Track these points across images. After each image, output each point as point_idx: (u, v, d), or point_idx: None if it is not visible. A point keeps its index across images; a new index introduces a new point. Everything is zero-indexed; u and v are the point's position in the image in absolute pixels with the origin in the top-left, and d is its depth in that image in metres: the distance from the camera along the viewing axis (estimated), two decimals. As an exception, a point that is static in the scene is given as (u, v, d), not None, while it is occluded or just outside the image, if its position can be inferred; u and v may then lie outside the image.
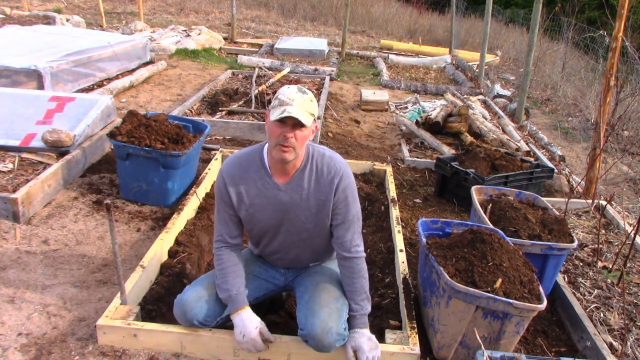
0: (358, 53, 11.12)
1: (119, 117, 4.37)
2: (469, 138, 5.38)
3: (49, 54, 5.45)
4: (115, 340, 2.19)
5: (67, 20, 9.88)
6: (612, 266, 3.14)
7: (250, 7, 15.89)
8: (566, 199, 3.72)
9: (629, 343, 2.50)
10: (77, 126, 3.88)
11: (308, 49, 9.84)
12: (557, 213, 3.10)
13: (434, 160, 4.51)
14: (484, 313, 2.16)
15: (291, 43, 10.16)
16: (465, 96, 7.49)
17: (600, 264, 3.20)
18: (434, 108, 6.41)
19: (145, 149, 3.32)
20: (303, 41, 10.50)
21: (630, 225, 3.64)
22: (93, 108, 4.11)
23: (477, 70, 9.24)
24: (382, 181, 4.21)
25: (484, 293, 2.11)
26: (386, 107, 6.95)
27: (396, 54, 11.34)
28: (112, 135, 3.42)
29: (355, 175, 3.62)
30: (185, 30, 10.25)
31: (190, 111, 5.55)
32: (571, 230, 2.91)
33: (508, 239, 2.53)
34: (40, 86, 5.04)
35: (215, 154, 4.18)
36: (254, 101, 5.91)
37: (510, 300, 2.09)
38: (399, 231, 3.15)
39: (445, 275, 2.18)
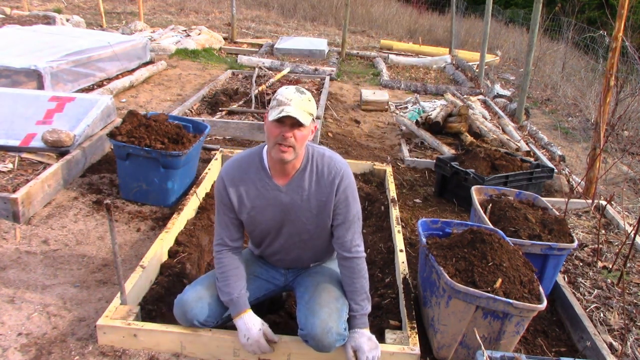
0: (358, 53, 11.12)
1: (119, 117, 4.37)
2: (469, 138, 5.38)
3: (49, 54, 5.45)
4: (115, 340, 2.19)
5: (67, 20, 9.88)
6: (612, 266, 3.14)
7: (250, 7, 15.89)
8: (566, 199, 3.72)
9: (629, 343, 2.50)
10: (77, 126, 3.88)
11: (308, 49, 9.84)
12: (557, 213, 3.10)
13: (434, 160, 4.50)
14: (484, 313, 2.16)
15: (291, 43, 10.16)
16: (465, 96, 7.49)
17: (600, 264, 3.20)
18: (434, 108, 6.41)
19: (145, 149, 3.32)
20: (303, 41, 10.50)
21: (630, 225, 3.64)
22: (93, 108, 4.11)
23: (477, 70, 9.24)
24: (382, 181, 4.21)
25: (484, 293, 2.11)
26: (386, 107, 6.95)
27: (396, 54, 11.35)
28: (112, 135, 3.42)
29: (355, 175, 3.62)
30: (185, 30, 10.25)
31: (190, 111, 5.55)
32: (571, 230, 2.91)
33: (508, 239, 2.53)
34: (40, 86, 5.04)
35: (215, 154, 4.18)
36: (254, 101, 5.91)
37: (510, 300, 2.09)
38: (399, 231, 3.15)
39: (445, 275, 2.18)
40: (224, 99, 5.85)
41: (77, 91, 5.55)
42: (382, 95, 6.98)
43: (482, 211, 2.97)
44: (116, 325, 2.17)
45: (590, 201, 4.01)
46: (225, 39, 10.67)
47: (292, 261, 2.31)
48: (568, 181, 4.75)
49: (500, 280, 2.18)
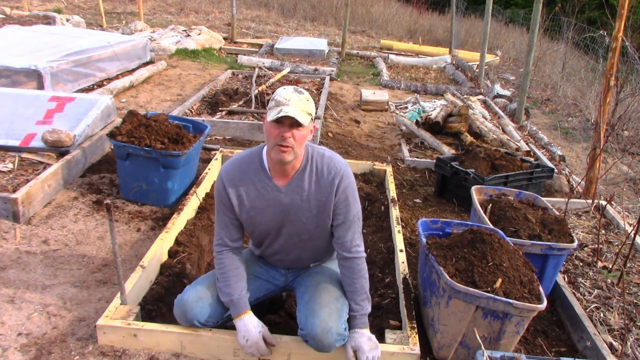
0: (358, 53, 11.12)
1: (119, 117, 4.37)
2: (469, 138, 5.38)
3: (49, 54, 5.45)
4: (115, 340, 2.19)
5: (67, 20, 9.88)
6: (612, 266, 3.14)
7: (250, 7, 15.89)
8: (566, 199, 3.72)
9: (629, 343, 2.50)
10: (77, 126, 3.88)
11: (308, 49, 9.84)
12: (557, 213, 3.10)
13: (434, 160, 4.51)
14: (484, 313, 2.16)
15: (291, 43, 10.16)
16: (465, 96, 7.49)
17: (600, 264, 3.20)
18: (434, 108, 6.41)
19: (145, 149, 3.33)
20: (303, 41, 10.50)
21: (630, 225, 3.64)
22: (93, 108, 4.11)
23: (477, 70, 9.24)
24: (382, 181, 4.21)
25: (484, 293, 2.11)
26: (386, 107, 6.95)
27: (396, 54, 11.34)
28: (112, 135, 3.42)
29: (355, 175, 3.62)
30: (185, 30, 10.25)
31: (190, 111, 5.55)
32: (571, 230, 2.91)
33: (508, 239, 2.53)
34: (40, 86, 5.04)
35: (215, 154, 4.18)
36: (254, 101, 5.91)
37: (510, 300, 2.09)
38: (399, 231, 3.15)
39: (445, 275, 2.18)
40: (224, 99, 5.85)
41: (77, 91, 5.55)
42: (382, 95, 6.98)
43: (482, 211, 2.97)
44: (116, 325, 2.17)
45: (590, 201, 4.01)
46: (225, 39, 10.67)
47: (292, 261, 2.31)
48: (568, 181, 4.75)
49: (500, 280, 2.18)
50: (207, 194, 3.59)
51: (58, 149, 3.68)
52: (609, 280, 3.01)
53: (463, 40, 13.29)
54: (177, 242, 2.95)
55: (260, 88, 6.25)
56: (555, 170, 4.67)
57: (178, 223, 3.04)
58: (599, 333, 2.51)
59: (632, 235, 3.17)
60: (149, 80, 6.97)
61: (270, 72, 7.59)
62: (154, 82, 6.94)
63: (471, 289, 2.12)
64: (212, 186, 3.70)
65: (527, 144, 5.64)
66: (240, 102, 5.88)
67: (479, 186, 3.33)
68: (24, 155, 3.62)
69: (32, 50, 5.57)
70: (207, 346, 2.17)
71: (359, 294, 2.14)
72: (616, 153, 6.13)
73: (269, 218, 2.13)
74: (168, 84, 6.96)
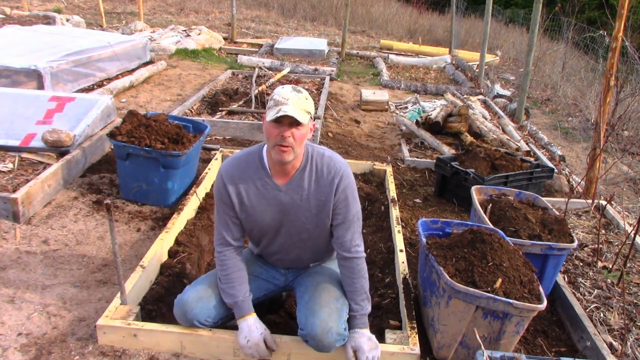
0: (358, 53, 11.12)
1: (119, 117, 4.37)
2: (469, 138, 5.38)
3: (49, 54, 5.45)
4: (115, 340, 2.19)
5: (67, 20, 9.88)
6: (612, 266, 3.14)
7: (250, 7, 15.89)
8: (566, 199, 3.72)
9: (629, 343, 2.50)
10: (77, 126, 3.88)
11: (308, 49, 9.84)
12: (557, 213, 3.10)
13: (434, 160, 4.51)
14: (484, 313, 2.16)
15: (291, 43, 10.16)
16: (465, 96, 7.49)
17: (600, 264, 3.20)
18: (434, 108, 6.41)
19: (145, 149, 3.33)
20: (303, 41, 10.50)
21: (630, 225, 3.64)
22: (93, 108, 4.11)
23: (477, 70, 9.24)
24: (382, 181, 4.21)
25: (484, 293, 2.11)
26: (386, 107, 6.95)
27: (396, 54, 11.34)
28: (112, 135, 3.42)
29: (355, 175, 3.62)
30: (185, 30, 10.25)
31: (190, 111, 5.55)
32: (571, 230, 2.91)
33: (508, 239, 2.53)
34: (40, 86, 5.04)
35: (215, 154, 4.18)
36: (254, 101, 5.91)
37: (510, 300, 2.09)
38: (399, 231, 3.15)
39: (445, 275, 2.18)
40: (224, 99, 5.85)
41: (77, 91, 5.55)
42: (382, 95, 6.98)
43: (482, 211, 2.97)
44: (116, 325, 2.17)
45: (590, 201, 4.01)
46: (225, 39, 10.67)
47: (292, 261, 2.31)
48: (568, 181, 4.75)
49: (500, 280, 2.18)
50: (207, 194, 3.60)
51: (58, 149, 3.68)
52: (609, 280, 3.01)
53: (463, 40, 13.29)
54: (177, 242, 2.95)
55: (260, 88, 6.25)
56: (555, 170, 4.67)
57: (178, 223, 3.04)
58: (599, 333, 2.51)
59: (632, 235, 3.17)
60: (149, 80, 6.97)
61: (270, 72, 7.59)
62: (154, 82, 6.94)
63: (471, 289, 2.12)
64: (212, 186, 3.70)
65: (527, 144, 5.64)
66: (240, 102, 5.89)
67: (479, 186, 3.33)
68: (24, 155, 3.62)
69: (32, 50, 5.57)
70: (207, 346, 2.17)
71: (358, 294, 2.13)
72: (616, 153, 6.13)
73: (268, 217, 2.13)
74: (168, 84, 6.96)
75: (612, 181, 5.33)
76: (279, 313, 2.65)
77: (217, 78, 7.15)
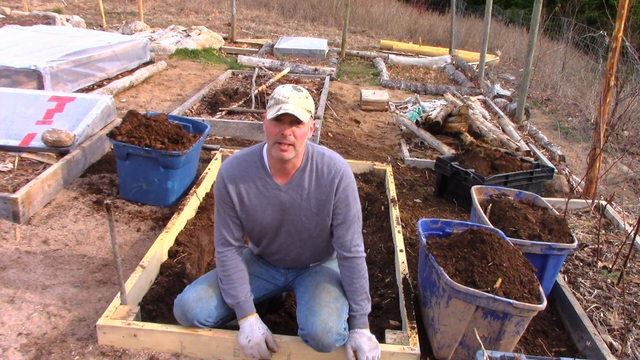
0: (358, 53, 11.12)
1: (119, 117, 4.37)
2: (469, 138, 5.38)
3: (49, 54, 5.45)
4: (115, 340, 2.19)
5: (67, 20, 9.88)
6: (612, 266, 3.14)
7: (250, 7, 15.89)
8: (566, 199, 3.72)
9: (629, 343, 2.50)
10: (77, 126, 3.88)
11: (308, 49, 9.84)
12: (557, 213, 3.10)
13: (434, 160, 4.51)
14: (484, 313, 2.16)
15: (291, 43, 10.16)
16: (465, 96, 7.49)
17: (600, 264, 3.20)
18: (434, 108, 6.41)
19: (145, 149, 3.33)
20: (303, 41, 10.50)
21: (630, 225, 3.64)
22: (93, 108, 4.11)
23: (477, 70, 9.24)
24: (382, 181, 4.21)
25: (484, 293, 2.11)
26: (386, 107, 6.95)
27: (396, 54, 11.35)
28: (112, 135, 3.42)
29: (355, 175, 3.62)
30: (185, 30, 10.25)
31: (190, 111, 5.55)
32: (571, 230, 2.91)
33: (508, 239, 2.53)
34: (40, 86, 5.04)
35: (215, 154, 4.18)
36: (254, 101, 5.91)
37: (510, 300, 2.09)
38: (399, 231, 3.15)
39: (445, 275, 2.18)
40: (224, 99, 5.85)
41: (77, 91, 5.55)
42: (382, 95, 6.98)
43: (482, 211, 2.97)
44: (116, 325, 2.17)
45: (590, 201, 4.01)
46: (225, 39, 10.68)
47: (292, 261, 2.31)
48: (568, 181, 4.75)
49: (500, 280, 2.18)
50: (207, 194, 3.60)
51: (58, 148, 3.68)
52: (609, 280, 3.01)
53: (463, 40, 13.30)
54: (177, 242, 2.95)
55: (260, 88, 6.25)
56: (555, 170, 4.67)
57: (178, 223, 3.04)
58: (599, 333, 2.51)
59: (632, 235, 3.17)
60: (149, 80, 6.97)
61: (270, 72, 7.59)
62: (154, 82, 6.94)
63: (471, 289, 2.12)
64: (212, 186, 3.71)
65: (527, 143, 5.64)
66: (240, 102, 5.89)
67: (479, 186, 3.33)
68: (24, 155, 3.62)
69: (32, 50, 5.57)
70: (207, 346, 2.17)
71: (358, 294, 2.14)
72: (616, 153, 6.13)
73: (268, 216, 2.13)
74: (168, 84, 6.96)
75: (612, 181, 5.33)
76: (279, 313, 2.65)
77: (217, 78, 7.15)
